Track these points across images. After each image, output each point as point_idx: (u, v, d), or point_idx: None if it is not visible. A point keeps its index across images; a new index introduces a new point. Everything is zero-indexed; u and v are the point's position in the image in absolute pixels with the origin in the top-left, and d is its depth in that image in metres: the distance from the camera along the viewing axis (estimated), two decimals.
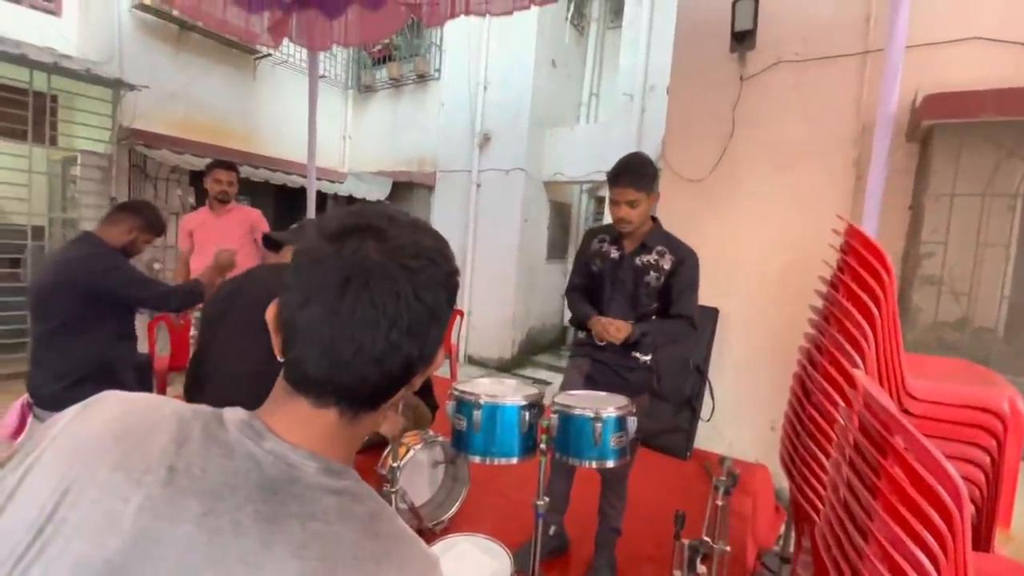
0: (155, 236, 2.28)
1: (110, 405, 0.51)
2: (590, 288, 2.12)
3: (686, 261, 1.95)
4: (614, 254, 2.03)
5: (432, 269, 0.52)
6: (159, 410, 0.51)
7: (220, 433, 0.49)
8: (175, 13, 5.51)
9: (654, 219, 2.03)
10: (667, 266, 1.95)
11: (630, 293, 1.99)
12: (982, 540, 1.51)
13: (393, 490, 1.89)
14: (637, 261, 1.98)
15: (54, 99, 5.14)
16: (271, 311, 0.53)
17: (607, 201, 1.94)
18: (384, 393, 0.53)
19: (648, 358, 2.02)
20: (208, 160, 4.08)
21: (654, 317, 2.01)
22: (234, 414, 0.51)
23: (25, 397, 2.12)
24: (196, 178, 6.14)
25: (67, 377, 2.01)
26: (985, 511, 1.50)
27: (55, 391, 2.01)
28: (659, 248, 1.97)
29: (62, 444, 0.48)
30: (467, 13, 3.34)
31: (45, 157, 5.29)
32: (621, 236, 2.02)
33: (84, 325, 2.00)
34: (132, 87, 5.38)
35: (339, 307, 0.48)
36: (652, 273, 1.95)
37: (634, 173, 1.85)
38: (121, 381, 2.19)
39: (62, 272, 1.99)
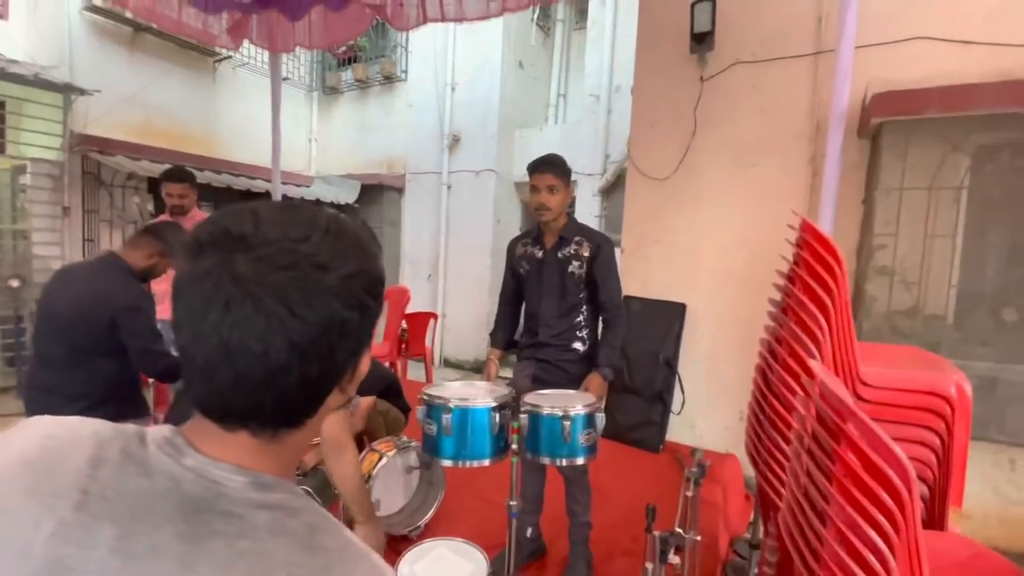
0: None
1: (32, 431, 0.48)
2: (519, 294, 2.27)
3: (603, 246, 2.10)
4: (538, 253, 2.16)
5: (312, 277, 0.45)
6: (78, 432, 0.48)
7: (139, 452, 0.46)
8: (128, 15, 5.33)
9: (569, 214, 2.17)
10: (587, 253, 2.08)
11: (558, 287, 2.11)
12: (936, 519, 1.57)
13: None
14: (559, 254, 2.11)
15: (1, 105, 4.92)
16: None
17: (530, 191, 2.10)
18: (295, 413, 0.49)
19: (586, 347, 2.13)
20: (166, 166, 3.95)
21: (584, 308, 2.13)
22: (158, 431, 0.49)
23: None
24: (155, 185, 5.95)
25: (87, 398, 1.91)
26: (938, 491, 1.57)
27: (73, 413, 1.89)
28: (576, 238, 2.10)
29: None
30: (441, 19, 3.33)
31: None
32: (541, 235, 2.16)
33: (107, 348, 1.91)
34: (84, 91, 5.18)
35: (204, 334, 0.44)
36: (575, 263, 2.08)
37: (553, 163, 2.04)
38: (141, 399, 2.11)
39: (89, 297, 1.89)
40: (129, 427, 0.49)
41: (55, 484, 0.43)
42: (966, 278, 2.85)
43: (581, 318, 2.12)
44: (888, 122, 2.84)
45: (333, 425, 1.64)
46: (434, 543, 1.75)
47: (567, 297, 2.11)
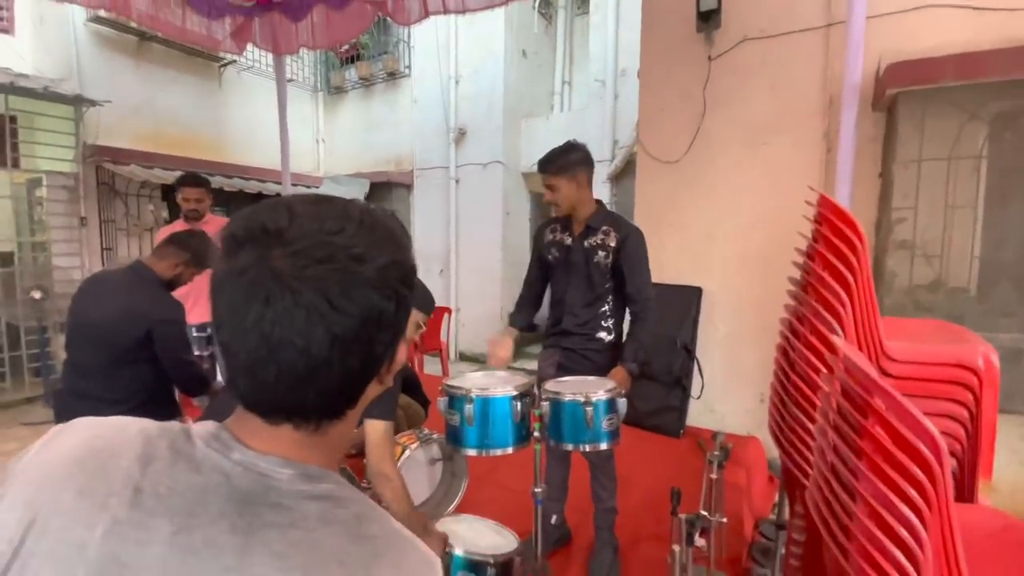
0: (202, 270, 2.22)
1: (77, 431, 0.49)
2: (544, 279, 2.26)
3: (631, 236, 2.08)
4: (567, 240, 2.15)
5: (351, 269, 0.45)
6: (125, 431, 0.49)
7: (187, 448, 0.47)
8: (133, 24, 5.38)
9: (598, 202, 2.15)
10: (613, 243, 2.06)
11: (584, 275, 2.10)
12: (966, 491, 1.56)
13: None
14: (586, 243, 2.09)
15: (13, 120, 5.00)
16: None
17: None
18: (338, 405, 0.50)
19: (611, 337, 2.12)
20: (178, 173, 4.00)
21: (609, 298, 2.11)
22: (203, 427, 0.49)
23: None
24: (168, 192, 6.03)
25: (126, 403, 1.96)
26: (967, 464, 1.55)
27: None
28: (604, 228, 2.09)
29: (29, 475, 0.46)
30: (444, 12, 3.31)
31: (9, 180, 5.15)
32: (570, 222, 2.14)
33: (142, 355, 1.95)
34: (94, 103, 5.25)
35: (246, 330, 0.44)
36: (600, 252, 2.07)
37: (547, 162, 2.02)
38: (174, 402, 2.16)
39: (125, 310, 1.93)
40: (174, 424, 0.50)
41: (107, 483, 0.44)
42: (988, 249, 2.79)
43: (607, 308, 2.11)
44: (903, 93, 2.77)
45: (374, 455, 1.68)
46: (470, 517, 1.76)
47: (593, 286, 2.10)
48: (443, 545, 1.53)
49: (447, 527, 1.59)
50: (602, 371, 2.02)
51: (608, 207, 1.96)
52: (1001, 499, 2.65)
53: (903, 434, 0.93)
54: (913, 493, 0.92)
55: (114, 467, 0.45)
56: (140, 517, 0.43)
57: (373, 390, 0.52)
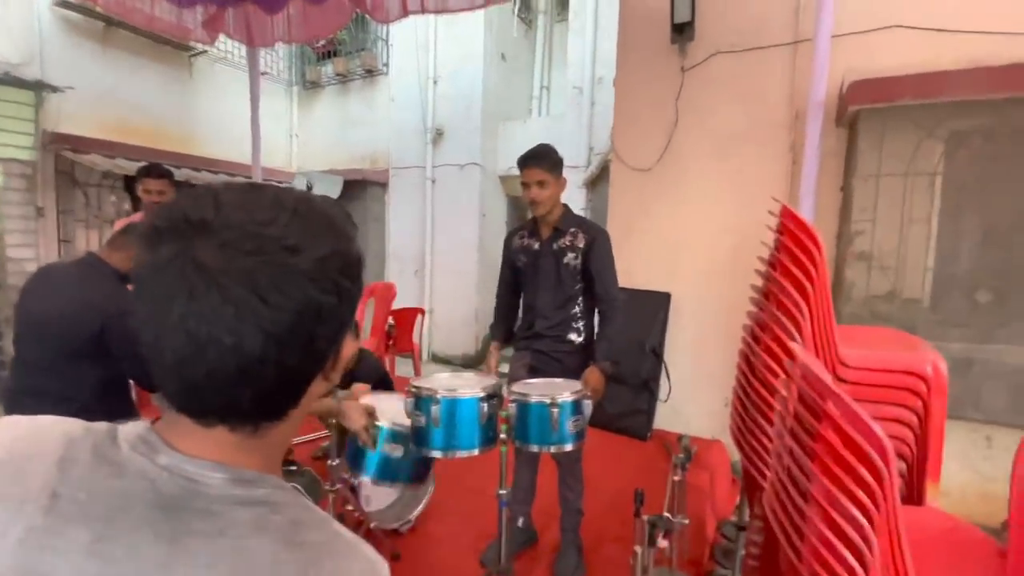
0: None
1: (2, 432, 0.46)
2: (517, 286, 2.27)
3: (599, 237, 2.11)
4: (535, 245, 2.17)
5: (283, 261, 0.42)
6: (48, 432, 0.46)
7: (111, 452, 0.44)
8: (99, 9, 5.20)
9: (565, 206, 2.18)
10: (582, 244, 2.10)
11: (554, 278, 2.13)
12: (915, 494, 1.62)
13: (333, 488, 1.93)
14: (555, 246, 2.12)
15: None
16: None
17: (521, 187, 2.12)
18: (278, 405, 0.47)
19: (582, 339, 2.15)
20: (141, 164, 3.87)
21: (579, 299, 2.15)
22: (131, 429, 0.47)
23: None
24: (130, 183, 5.82)
25: (78, 400, 1.86)
26: (916, 467, 1.61)
27: (64, 415, 1.84)
28: (572, 230, 2.12)
29: None
30: (421, 11, 3.29)
31: None
32: (537, 226, 2.17)
33: (96, 350, 1.86)
34: (56, 89, 5.06)
35: (170, 327, 0.41)
36: (570, 254, 2.10)
37: (541, 156, 2.03)
38: (130, 400, 2.07)
39: (77, 303, 1.84)
40: (100, 425, 0.47)
41: (24, 488, 0.42)
42: (941, 262, 2.92)
43: (577, 309, 2.14)
44: (864, 110, 2.88)
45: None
46: (392, 395, 2.02)
47: (563, 288, 2.12)
48: (369, 418, 1.69)
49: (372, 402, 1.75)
50: (574, 372, 2.04)
51: (583, 213, 2.00)
52: (951, 503, 2.77)
53: (853, 437, 0.97)
54: (861, 494, 0.95)
55: (31, 471, 0.43)
56: (57, 524, 0.41)
57: (318, 387, 0.50)
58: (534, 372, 2.11)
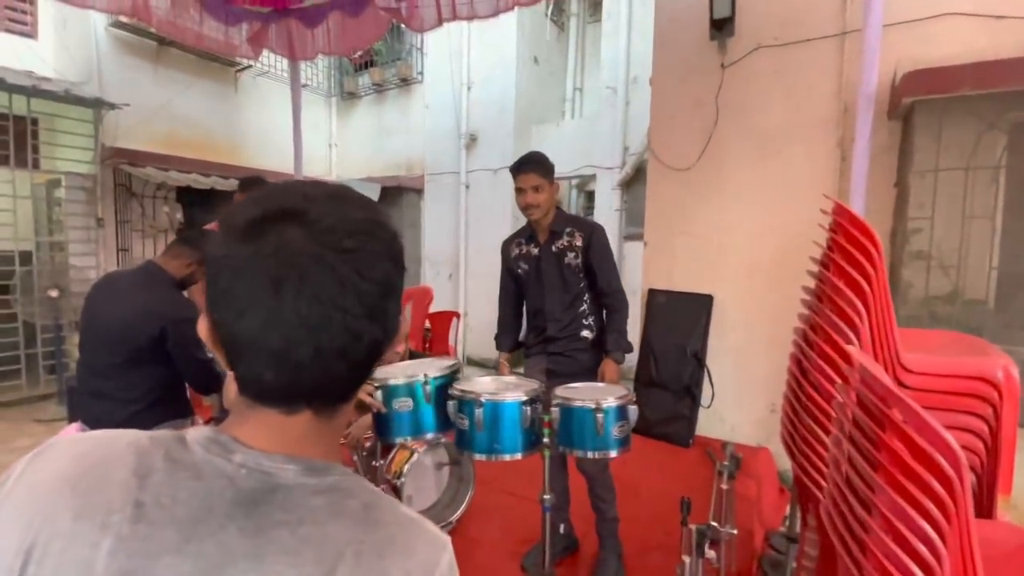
0: None
1: (60, 452, 0.48)
2: (519, 295, 2.28)
3: (595, 233, 2.12)
4: (535, 251, 2.18)
5: (371, 243, 0.47)
6: (112, 446, 0.47)
7: (185, 456, 0.46)
8: (152, 29, 5.48)
9: (557, 208, 2.17)
10: (579, 242, 2.11)
11: (559, 280, 2.14)
12: (984, 507, 1.52)
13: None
14: (554, 248, 2.13)
15: (35, 122, 5.10)
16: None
17: (516, 193, 2.12)
18: (355, 382, 0.51)
19: (593, 335, 2.15)
20: (194, 176, 4.03)
21: (586, 296, 2.16)
22: (198, 433, 0.49)
23: (77, 426, 2.07)
24: (182, 194, 6.10)
25: (139, 402, 1.96)
26: (986, 479, 1.52)
27: (127, 415, 1.95)
28: (568, 230, 2.13)
29: (19, 499, 0.44)
30: (454, 19, 3.34)
31: (29, 181, 5.24)
32: (533, 232, 2.18)
33: (156, 354, 1.96)
34: (113, 106, 5.35)
35: (280, 312, 0.43)
36: (570, 254, 2.11)
37: (534, 162, 2.05)
38: (186, 399, 2.17)
39: (138, 309, 1.94)
40: (165, 433, 0.49)
41: (106, 501, 0.43)
42: (1007, 260, 2.75)
43: (585, 307, 2.16)
44: (920, 102, 2.75)
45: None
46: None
47: (569, 288, 2.14)
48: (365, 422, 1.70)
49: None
50: (589, 369, 2.07)
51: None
52: (1020, 516, 2.59)
53: (922, 446, 0.92)
54: (933, 508, 0.90)
55: (109, 484, 0.44)
56: (146, 531, 0.42)
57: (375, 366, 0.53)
58: (552, 375, 2.11)
